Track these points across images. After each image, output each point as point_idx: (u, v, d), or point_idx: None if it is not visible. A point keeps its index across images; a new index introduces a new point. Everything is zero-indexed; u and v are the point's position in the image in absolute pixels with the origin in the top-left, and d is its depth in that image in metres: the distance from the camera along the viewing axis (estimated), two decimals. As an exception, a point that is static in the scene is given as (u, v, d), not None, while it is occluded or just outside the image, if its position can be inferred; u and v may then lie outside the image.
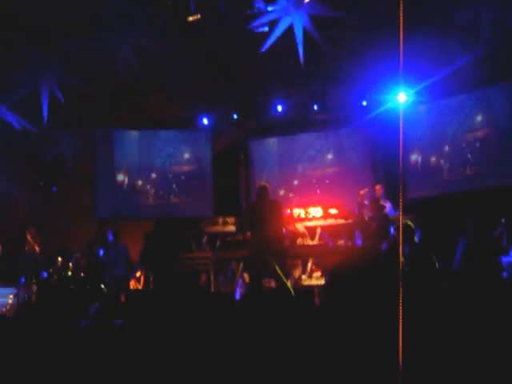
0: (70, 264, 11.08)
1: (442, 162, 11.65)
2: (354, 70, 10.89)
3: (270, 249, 8.45)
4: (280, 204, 9.20)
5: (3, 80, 10.10)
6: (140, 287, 11.32)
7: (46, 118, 10.80)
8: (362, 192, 10.54)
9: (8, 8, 9.35)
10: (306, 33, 9.45)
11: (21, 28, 9.77)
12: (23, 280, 10.50)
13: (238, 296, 9.42)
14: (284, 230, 9.56)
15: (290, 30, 9.46)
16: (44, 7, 9.46)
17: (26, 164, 11.75)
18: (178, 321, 6.27)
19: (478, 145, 11.18)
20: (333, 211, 10.96)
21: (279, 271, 8.28)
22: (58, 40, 10.07)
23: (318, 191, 12.77)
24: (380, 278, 3.74)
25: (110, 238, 10.98)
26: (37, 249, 11.21)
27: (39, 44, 10.05)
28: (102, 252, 11.06)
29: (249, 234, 8.95)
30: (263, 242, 8.48)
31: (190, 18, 9.40)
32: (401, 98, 11.01)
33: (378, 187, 10.84)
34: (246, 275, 9.89)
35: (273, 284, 8.63)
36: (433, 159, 11.81)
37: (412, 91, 11.04)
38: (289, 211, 10.95)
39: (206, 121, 13.11)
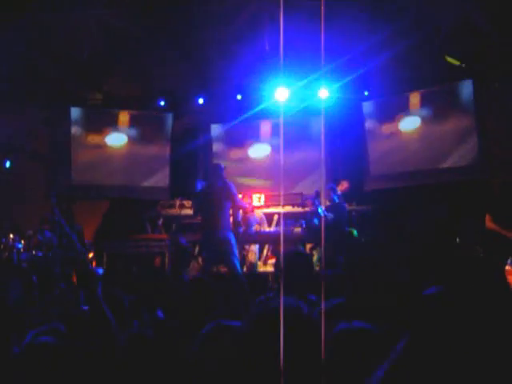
0: (22, 241, 10.89)
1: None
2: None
3: (221, 234, 8.23)
4: (231, 186, 8.60)
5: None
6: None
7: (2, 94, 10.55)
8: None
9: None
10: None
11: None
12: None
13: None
14: (242, 215, 9.47)
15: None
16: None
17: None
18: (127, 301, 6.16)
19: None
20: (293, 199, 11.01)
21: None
22: (19, 12, 9.81)
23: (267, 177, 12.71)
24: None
25: (60, 216, 10.78)
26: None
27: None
28: (53, 230, 10.86)
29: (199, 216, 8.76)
30: (214, 228, 8.27)
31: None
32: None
33: (344, 183, 10.85)
34: (200, 258, 9.83)
35: (224, 269, 8.50)
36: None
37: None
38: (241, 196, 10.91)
39: (163, 103, 12.98)
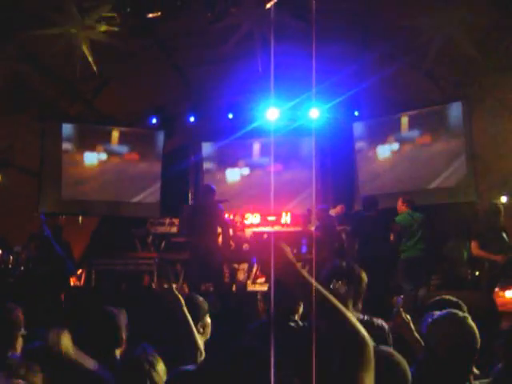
0: (10, 257, 10.85)
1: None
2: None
3: (208, 253, 8.26)
4: (217, 205, 8.77)
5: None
6: (80, 284, 11.14)
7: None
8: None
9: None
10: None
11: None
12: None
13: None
14: (232, 234, 9.49)
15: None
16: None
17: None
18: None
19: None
20: (271, 218, 11.04)
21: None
22: (13, 27, 9.84)
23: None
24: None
25: (49, 233, 10.76)
26: (-25, 240, 10.92)
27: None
28: (42, 247, 10.81)
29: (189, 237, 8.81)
30: (201, 246, 8.29)
31: (150, 15, 9.31)
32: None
33: (339, 207, 10.91)
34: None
35: (211, 288, 8.51)
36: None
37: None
38: (232, 217, 10.96)
39: (154, 120, 13.05)
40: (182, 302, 3.86)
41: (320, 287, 1.88)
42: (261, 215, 11.75)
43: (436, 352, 2.96)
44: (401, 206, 9.30)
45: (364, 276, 3.70)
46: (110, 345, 3.58)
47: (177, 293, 3.91)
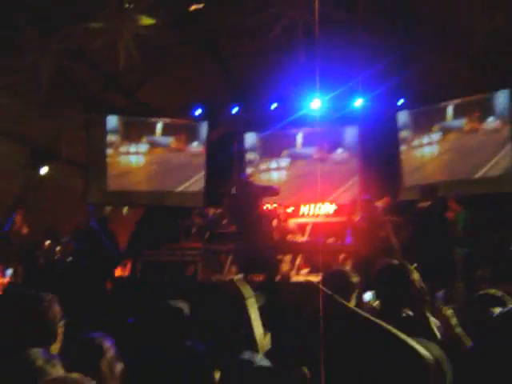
0: (58, 248, 11.04)
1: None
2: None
3: (256, 243, 8.27)
4: (258, 185, 8.90)
5: (2, 62, 9.97)
6: (125, 274, 11.28)
7: (42, 101, 10.68)
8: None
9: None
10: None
11: (21, 8, 9.67)
12: (11, 261, 10.44)
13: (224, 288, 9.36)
14: (275, 225, 9.49)
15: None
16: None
17: (18, 146, 11.64)
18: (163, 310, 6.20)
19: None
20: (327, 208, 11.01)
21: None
22: (58, 22, 9.96)
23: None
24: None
25: (96, 223, 10.92)
26: (24, 231, 11.13)
27: (40, 25, 9.94)
28: (89, 237, 10.97)
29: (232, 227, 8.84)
30: (249, 237, 8.31)
31: (193, 7, 9.34)
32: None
33: (386, 198, 10.82)
34: (234, 268, 9.85)
35: (261, 278, 8.53)
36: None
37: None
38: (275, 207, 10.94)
39: (199, 111, 13.11)
40: (244, 294, 3.80)
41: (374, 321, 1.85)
42: (304, 205, 11.71)
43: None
44: (455, 206, 9.27)
45: (416, 275, 3.61)
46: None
47: (239, 285, 3.84)
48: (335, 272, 4.33)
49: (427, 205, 9.06)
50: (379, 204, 10.14)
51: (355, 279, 4.03)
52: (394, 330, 1.80)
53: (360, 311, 1.89)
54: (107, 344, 2.94)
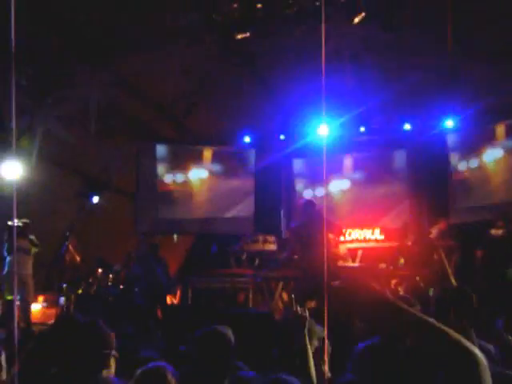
0: (110, 275, 11.15)
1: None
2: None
3: (321, 269, 8.19)
4: (328, 220, 8.88)
5: (54, 94, 10.21)
6: (176, 302, 11.31)
7: (93, 131, 10.88)
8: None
9: (61, 23, 9.50)
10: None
11: (72, 43, 9.91)
12: (63, 289, 10.58)
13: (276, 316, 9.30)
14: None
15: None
16: (96, 23, 9.57)
17: (70, 175, 11.86)
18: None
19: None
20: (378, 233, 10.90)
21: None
22: (108, 55, 10.17)
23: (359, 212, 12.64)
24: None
25: (146, 251, 11.02)
26: (77, 259, 11.30)
27: (90, 58, 10.17)
28: (140, 265, 11.07)
29: (297, 254, 8.80)
30: (314, 263, 8.27)
31: (239, 36, 9.42)
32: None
33: (442, 222, 10.69)
34: (284, 295, 9.78)
35: (313, 304, 8.45)
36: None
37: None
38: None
39: (248, 138, 13.17)
40: (306, 325, 3.69)
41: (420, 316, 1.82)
42: (354, 231, 11.61)
43: None
44: None
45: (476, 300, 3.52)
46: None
47: (303, 315, 3.73)
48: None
49: (500, 233, 8.86)
50: (436, 228, 10.02)
51: (417, 308, 3.92)
52: (447, 329, 1.78)
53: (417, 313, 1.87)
54: (170, 374, 2.94)
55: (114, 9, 9.13)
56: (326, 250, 8.32)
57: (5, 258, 9.52)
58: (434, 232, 10.05)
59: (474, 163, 11.96)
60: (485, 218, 11.02)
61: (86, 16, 9.30)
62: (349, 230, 11.80)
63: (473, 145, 12.02)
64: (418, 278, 8.48)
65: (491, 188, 11.64)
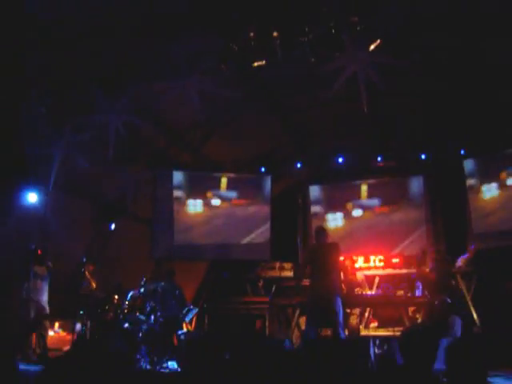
0: (126, 302, 11.11)
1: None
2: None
3: (329, 296, 8.18)
4: (338, 246, 8.80)
5: (73, 121, 10.30)
6: (191, 329, 11.26)
7: (110, 158, 10.94)
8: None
9: (77, 51, 9.60)
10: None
11: (89, 71, 10.01)
12: (80, 315, 10.56)
13: (292, 343, 9.25)
14: (343, 278, 9.36)
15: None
16: (111, 51, 9.68)
17: (87, 201, 11.91)
18: (231, 366, 6.16)
19: None
20: (394, 260, 10.85)
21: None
22: (124, 82, 10.26)
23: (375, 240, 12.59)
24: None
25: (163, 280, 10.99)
26: (94, 285, 11.28)
27: (107, 86, 10.26)
28: (153, 299, 11.02)
29: (305, 280, 8.78)
30: (323, 289, 8.25)
31: (255, 64, 9.46)
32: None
33: (473, 249, 10.65)
34: (301, 322, 9.73)
35: (329, 333, 8.39)
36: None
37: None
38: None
39: (263, 169, 13.23)
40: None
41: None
42: (371, 257, 11.56)
43: None
44: None
45: None
46: None
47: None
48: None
49: None
50: (463, 260, 9.99)
51: None
52: None
53: None
54: None
55: (132, 36, 9.22)
56: (333, 278, 8.31)
57: (22, 284, 9.56)
58: (463, 264, 10.04)
59: (492, 188, 11.90)
60: (505, 244, 10.96)
61: (105, 44, 9.41)
62: (366, 257, 11.74)
63: (491, 170, 11.97)
64: (436, 303, 8.36)
65: (510, 213, 11.56)
